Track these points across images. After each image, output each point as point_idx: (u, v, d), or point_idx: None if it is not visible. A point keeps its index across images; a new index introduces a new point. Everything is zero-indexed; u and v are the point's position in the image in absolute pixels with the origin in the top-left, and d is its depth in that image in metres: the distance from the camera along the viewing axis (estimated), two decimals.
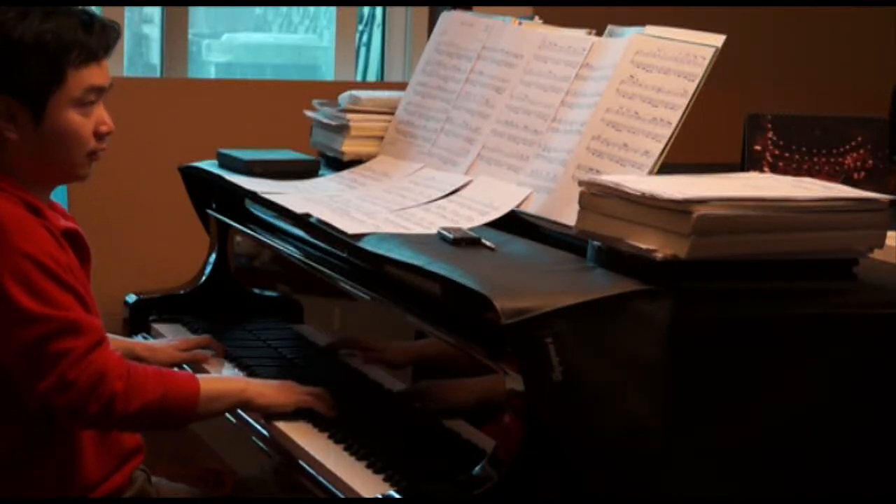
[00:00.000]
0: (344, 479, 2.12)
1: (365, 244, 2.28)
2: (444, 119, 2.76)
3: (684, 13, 3.24)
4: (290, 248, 2.64)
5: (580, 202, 2.10)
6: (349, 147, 2.90)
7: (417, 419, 2.30)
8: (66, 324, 2.14)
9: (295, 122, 3.13)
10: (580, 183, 2.12)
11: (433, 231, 2.31)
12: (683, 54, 2.33)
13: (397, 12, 4.14)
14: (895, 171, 3.19)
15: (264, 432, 2.35)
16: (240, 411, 2.38)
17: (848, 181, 3.08)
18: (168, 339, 2.78)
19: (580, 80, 2.50)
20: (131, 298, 2.95)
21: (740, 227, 1.99)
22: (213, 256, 3.00)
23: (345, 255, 2.42)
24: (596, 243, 2.10)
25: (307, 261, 2.56)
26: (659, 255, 1.97)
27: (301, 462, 2.24)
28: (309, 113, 3.03)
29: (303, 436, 2.28)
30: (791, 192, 2.07)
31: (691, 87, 2.29)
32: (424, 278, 2.13)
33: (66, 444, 2.26)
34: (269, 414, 2.34)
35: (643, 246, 1.99)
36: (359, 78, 4.18)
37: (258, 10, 4.43)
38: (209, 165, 2.91)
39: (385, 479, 2.09)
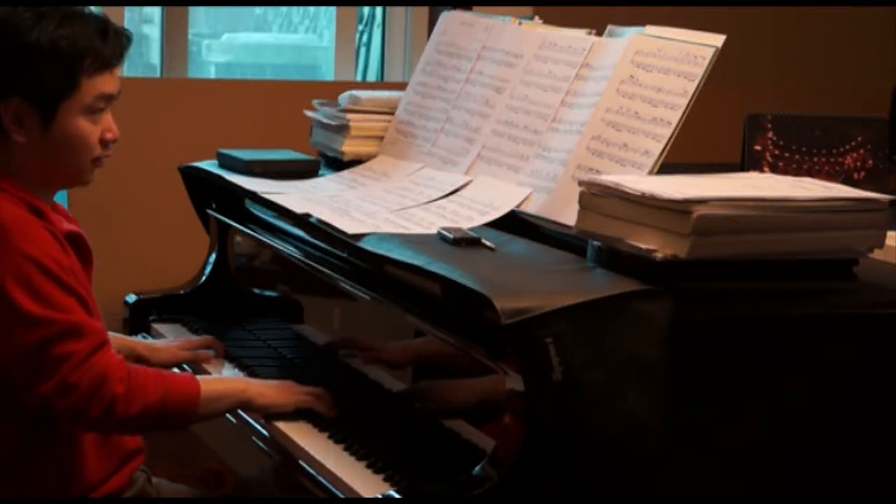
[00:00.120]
0: (344, 479, 2.12)
1: (365, 244, 2.28)
2: (444, 119, 2.76)
3: (684, 13, 3.24)
4: (290, 248, 2.64)
5: (580, 202, 2.10)
6: (349, 147, 2.90)
7: (417, 419, 2.30)
8: (68, 327, 2.13)
9: (295, 122, 3.13)
10: (580, 183, 2.12)
11: (433, 231, 2.31)
12: (683, 54, 2.33)
13: (397, 12, 4.14)
14: (895, 171, 3.19)
15: (264, 432, 2.35)
16: (240, 411, 2.38)
17: (848, 181, 3.08)
18: (170, 339, 2.78)
19: (580, 80, 2.50)
20: (131, 298, 2.95)
21: (740, 227, 1.99)
22: (213, 256, 3.00)
23: (345, 255, 2.42)
24: (596, 243, 2.10)
25: (307, 261, 2.55)
26: (659, 255, 1.97)
27: (301, 462, 2.23)
28: (309, 113, 3.03)
29: (303, 436, 2.28)
30: (791, 192, 2.07)
31: (691, 87, 2.29)
32: (424, 278, 2.13)
33: (67, 444, 2.25)
34: (269, 414, 2.33)
35: (643, 246, 1.98)
36: (359, 78, 4.18)
37: (258, 10, 4.43)
38: (209, 165, 2.91)
39: (385, 479, 2.09)
